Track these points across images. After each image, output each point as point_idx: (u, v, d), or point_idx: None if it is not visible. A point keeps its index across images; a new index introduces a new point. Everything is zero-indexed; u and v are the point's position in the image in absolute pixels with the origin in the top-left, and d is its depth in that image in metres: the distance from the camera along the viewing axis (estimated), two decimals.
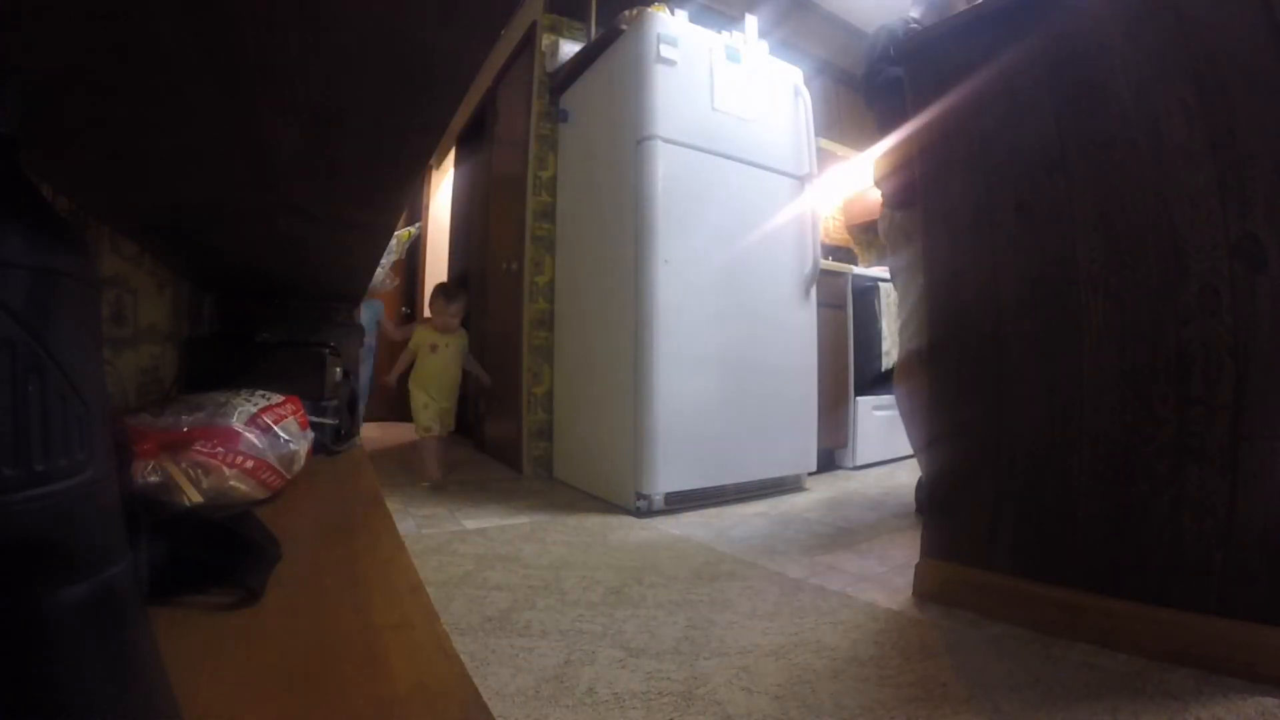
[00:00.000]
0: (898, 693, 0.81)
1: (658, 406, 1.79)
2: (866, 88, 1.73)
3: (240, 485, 0.67)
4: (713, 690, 0.81)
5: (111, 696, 0.23)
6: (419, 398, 2.19)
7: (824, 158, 2.69)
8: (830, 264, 2.54)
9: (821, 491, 2.14)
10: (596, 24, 2.49)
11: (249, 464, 0.69)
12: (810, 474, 2.20)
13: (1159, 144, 0.91)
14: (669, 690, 0.81)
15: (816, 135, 2.28)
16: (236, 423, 0.71)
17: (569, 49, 2.41)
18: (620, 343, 1.91)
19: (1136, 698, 0.77)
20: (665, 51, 1.89)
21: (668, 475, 1.80)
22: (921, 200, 1.25)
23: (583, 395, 2.21)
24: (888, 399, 2.69)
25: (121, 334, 0.94)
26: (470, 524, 1.67)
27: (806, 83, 2.25)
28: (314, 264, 1.05)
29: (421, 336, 2.23)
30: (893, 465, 2.64)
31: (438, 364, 2.20)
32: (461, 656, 0.41)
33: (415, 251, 4.17)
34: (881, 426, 2.67)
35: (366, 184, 0.63)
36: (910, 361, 1.69)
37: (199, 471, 0.64)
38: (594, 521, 1.72)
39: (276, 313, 1.33)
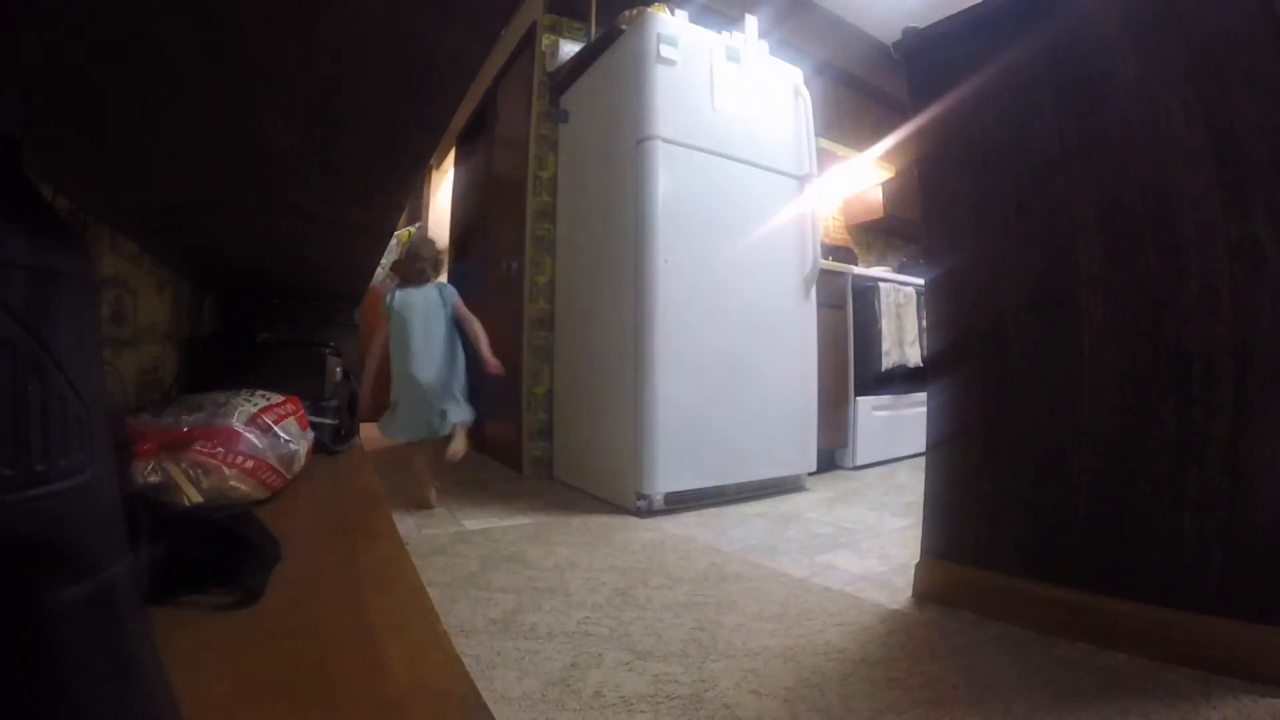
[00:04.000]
0: (908, 695, 0.80)
1: (658, 406, 1.79)
2: None
3: (240, 485, 0.67)
4: (721, 693, 0.80)
5: (111, 696, 0.23)
6: None
7: (824, 158, 2.69)
8: (830, 264, 2.54)
9: (821, 491, 2.14)
10: (596, 24, 2.49)
11: (249, 464, 0.69)
12: (810, 474, 2.20)
13: (1159, 144, 0.91)
14: (677, 693, 0.80)
15: (816, 135, 2.27)
16: (236, 423, 0.71)
17: (569, 49, 2.41)
18: (620, 342, 1.91)
19: (1145, 699, 0.77)
20: (665, 51, 1.89)
21: (668, 475, 1.80)
22: (922, 200, 1.25)
23: (583, 395, 2.21)
24: (888, 399, 2.70)
25: (121, 334, 0.94)
26: (471, 524, 1.66)
27: (806, 83, 2.25)
28: (314, 264, 1.05)
29: None
30: (893, 465, 2.64)
31: None
32: (466, 659, 0.41)
33: None
34: (881, 426, 2.67)
35: (366, 184, 0.63)
36: None
37: (199, 471, 0.64)
38: (597, 522, 1.72)
39: (277, 313, 1.33)
